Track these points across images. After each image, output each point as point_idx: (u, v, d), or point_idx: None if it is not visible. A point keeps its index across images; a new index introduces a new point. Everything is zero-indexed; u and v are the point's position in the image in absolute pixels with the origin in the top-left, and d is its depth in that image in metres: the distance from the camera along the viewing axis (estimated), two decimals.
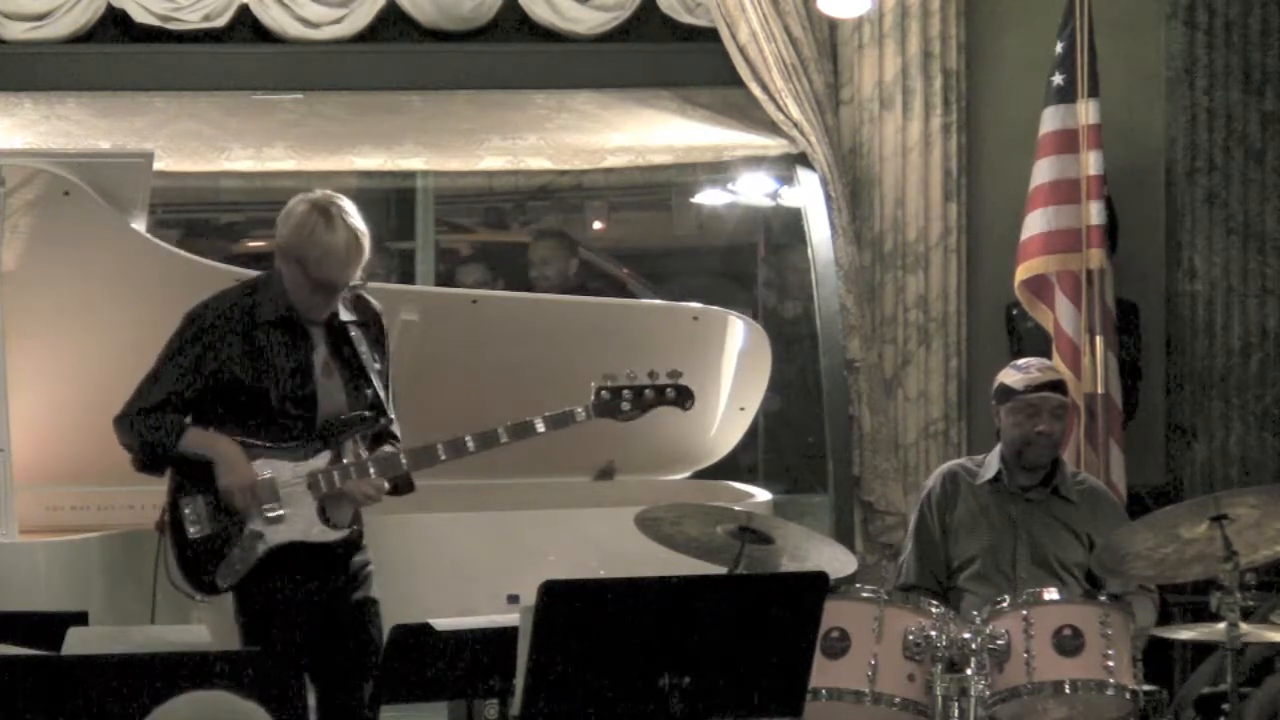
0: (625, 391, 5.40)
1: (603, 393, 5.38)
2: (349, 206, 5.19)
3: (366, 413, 5.25)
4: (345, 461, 5.19)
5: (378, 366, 5.30)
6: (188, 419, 5.21)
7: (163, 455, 5.19)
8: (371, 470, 5.20)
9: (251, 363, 5.16)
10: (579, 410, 5.37)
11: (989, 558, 5.87)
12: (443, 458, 5.27)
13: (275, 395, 5.16)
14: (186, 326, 5.21)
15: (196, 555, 5.14)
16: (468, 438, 5.29)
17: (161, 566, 5.16)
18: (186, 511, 5.14)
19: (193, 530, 5.13)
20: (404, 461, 5.23)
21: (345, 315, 5.27)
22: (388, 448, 5.29)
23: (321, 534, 5.18)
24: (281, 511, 5.13)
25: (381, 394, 5.29)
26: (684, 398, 5.47)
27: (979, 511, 5.92)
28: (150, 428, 5.17)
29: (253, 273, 5.47)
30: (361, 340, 5.28)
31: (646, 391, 5.41)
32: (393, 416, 5.34)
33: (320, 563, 5.20)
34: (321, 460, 5.18)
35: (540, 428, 5.35)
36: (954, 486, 5.98)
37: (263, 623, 5.11)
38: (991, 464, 5.97)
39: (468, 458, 5.34)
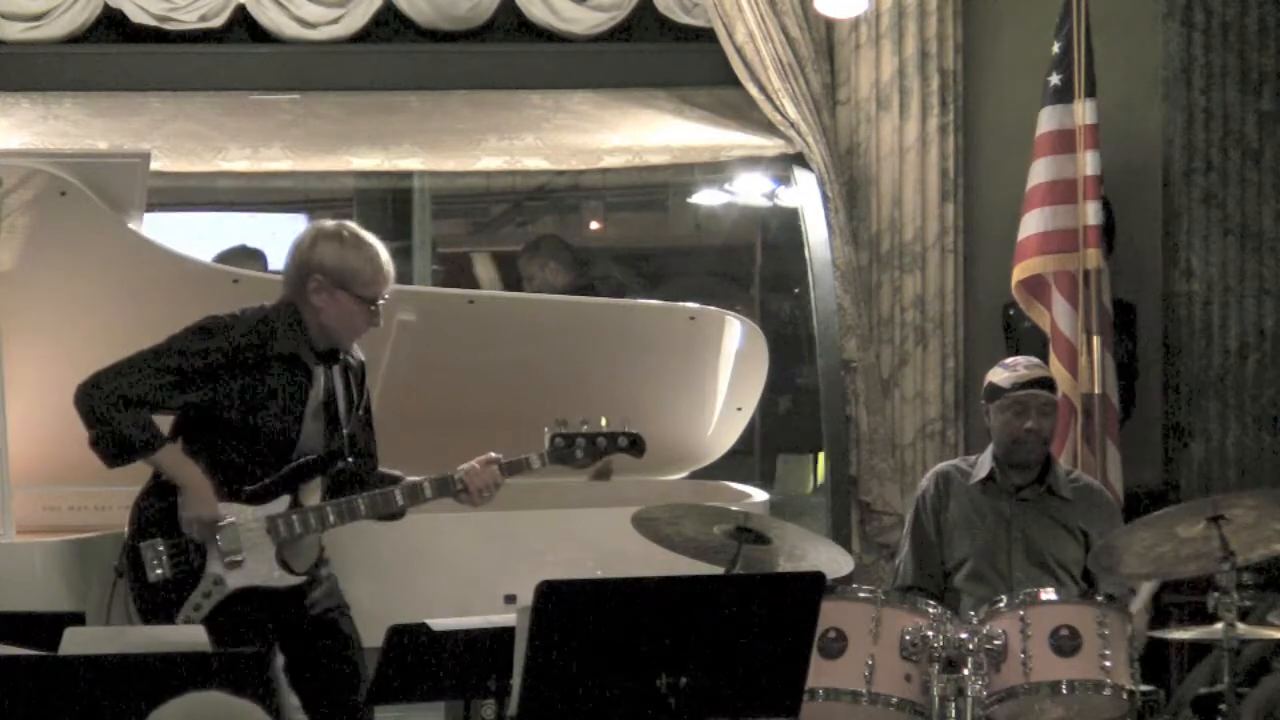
0: (579, 440, 5.40)
1: (557, 440, 5.38)
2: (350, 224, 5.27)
3: (325, 456, 5.19)
4: (305, 506, 5.16)
5: (359, 411, 5.28)
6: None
7: (130, 454, 5.09)
8: (361, 506, 5.19)
9: (247, 401, 5.09)
10: (533, 457, 5.36)
11: (983, 558, 5.87)
12: (400, 503, 5.26)
13: (264, 433, 5.10)
14: (199, 338, 5.11)
15: (156, 598, 5.08)
16: (425, 484, 5.26)
17: (118, 610, 5.09)
18: (148, 555, 5.08)
19: (155, 573, 5.07)
20: (367, 506, 5.22)
21: (343, 356, 5.27)
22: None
23: (280, 579, 5.15)
24: (241, 557, 5.09)
25: (352, 435, 5.23)
26: (636, 447, 5.48)
27: (972, 511, 5.92)
28: (133, 424, 5.06)
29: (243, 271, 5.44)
30: (351, 384, 5.27)
31: (599, 439, 5.42)
32: (367, 455, 5.32)
33: (278, 602, 5.17)
34: (280, 505, 5.14)
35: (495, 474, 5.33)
36: (947, 487, 5.98)
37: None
38: (984, 464, 5.97)
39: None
